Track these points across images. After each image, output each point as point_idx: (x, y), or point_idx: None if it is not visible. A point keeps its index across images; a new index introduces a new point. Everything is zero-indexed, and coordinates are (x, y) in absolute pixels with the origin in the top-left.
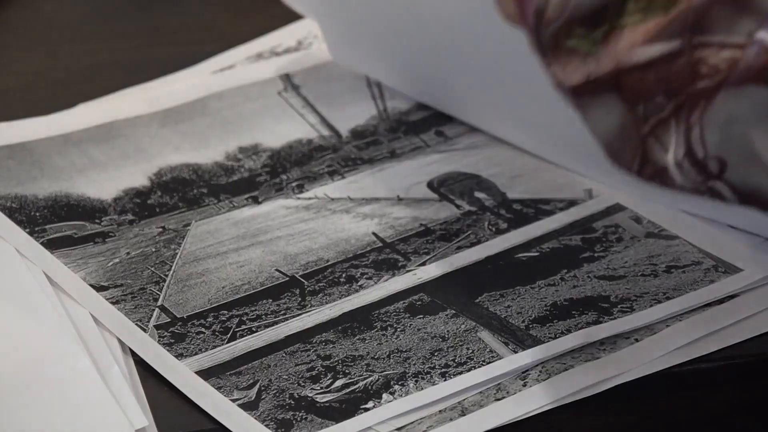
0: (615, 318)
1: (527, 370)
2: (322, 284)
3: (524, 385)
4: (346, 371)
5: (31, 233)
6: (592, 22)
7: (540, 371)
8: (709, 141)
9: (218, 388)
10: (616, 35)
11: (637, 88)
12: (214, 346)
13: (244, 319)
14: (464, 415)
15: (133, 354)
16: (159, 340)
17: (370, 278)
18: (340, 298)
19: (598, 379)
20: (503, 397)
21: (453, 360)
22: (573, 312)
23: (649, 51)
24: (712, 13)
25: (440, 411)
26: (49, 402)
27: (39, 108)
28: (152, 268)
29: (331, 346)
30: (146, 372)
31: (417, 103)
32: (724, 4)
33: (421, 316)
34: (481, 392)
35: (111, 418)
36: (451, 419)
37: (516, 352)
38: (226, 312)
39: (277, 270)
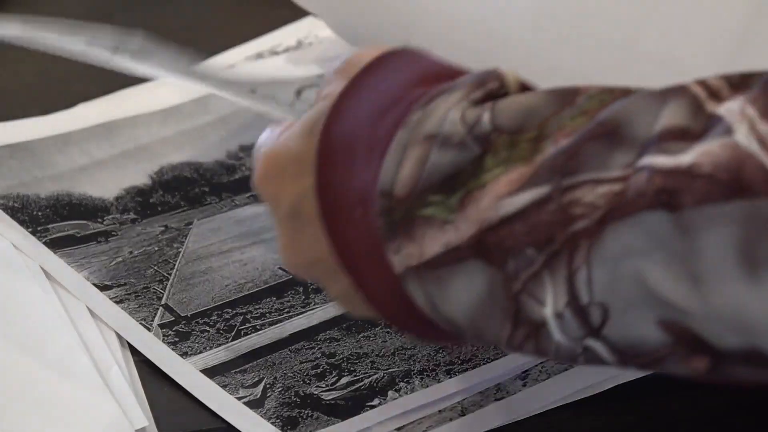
0: None
1: (527, 370)
2: None
3: (524, 385)
4: (351, 369)
5: (33, 233)
6: (448, 188)
7: (540, 371)
8: (596, 282)
9: (223, 387)
10: (476, 196)
11: (505, 245)
12: (219, 345)
13: (248, 317)
14: (464, 415)
15: (134, 354)
16: (163, 339)
17: None
18: None
19: (598, 380)
20: (503, 397)
21: (458, 357)
22: None
23: (516, 201)
24: (581, 152)
25: (440, 411)
26: (48, 402)
27: (39, 108)
28: (155, 267)
29: (336, 343)
30: (146, 372)
31: None
32: (594, 140)
33: None
34: (481, 392)
35: (111, 418)
36: (451, 419)
37: None
38: (230, 310)
39: (279, 268)
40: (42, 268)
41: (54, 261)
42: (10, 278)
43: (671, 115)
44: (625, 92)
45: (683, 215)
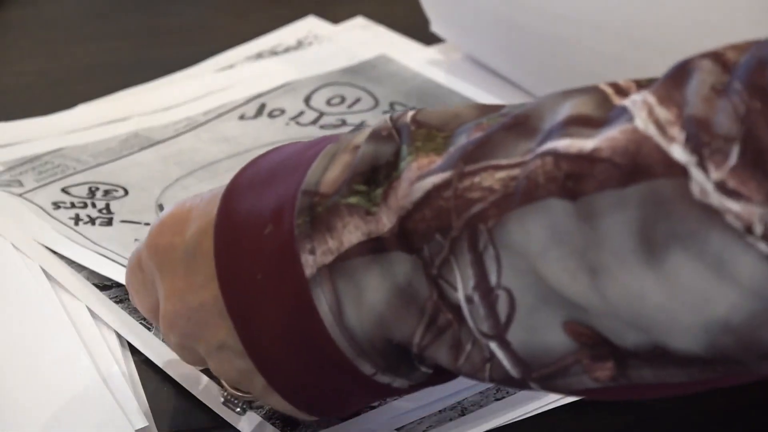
0: None
1: None
2: None
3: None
4: None
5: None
6: (372, 181)
7: None
8: (504, 265)
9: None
10: (395, 186)
11: (419, 231)
12: None
13: None
14: (464, 415)
15: (134, 354)
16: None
17: None
18: None
19: None
20: (503, 397)
21: None
22: None
23: (423, 185)
24: (490, 141)
25: (440, 411)
26: (48, 402)
27: (39, 108)
28: None
29: None
30: (146, 372)
31: None
32: (504, 131)
33: None
34: (481, 392)
35: (111, 418)
36: (450, 419)
37: None
38: None
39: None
40: (42, 268)
41: (52, 260)
42: (10, 278)
43: (576, 105)
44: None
45: (584, 203)
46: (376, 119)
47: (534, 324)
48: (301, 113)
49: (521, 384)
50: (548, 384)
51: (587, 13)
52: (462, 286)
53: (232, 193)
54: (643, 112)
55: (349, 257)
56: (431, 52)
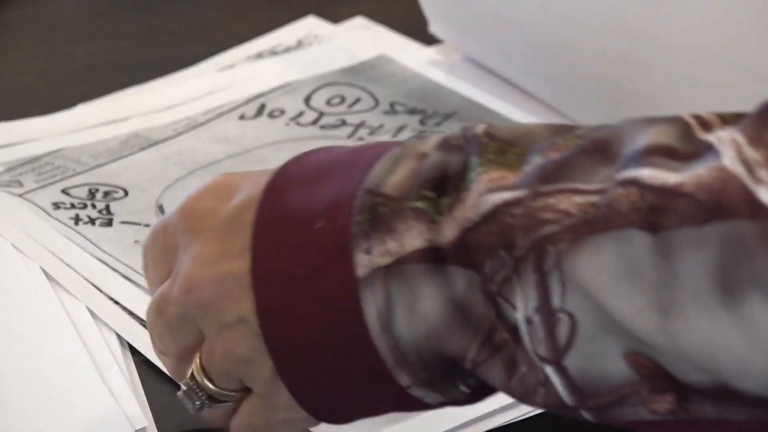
0: None
1: None
2: None
3: None
4: None
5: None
6: (441, 188)
7: None
8: (569, 290)
9: None
10: (462, 197)
11: (483, 245)
12: None
13: None
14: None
15: (134, 354)
16: None
17: None
18: None
19: None
20: None
21: None
22: None
23: (492, 199)
24: (569, 164)
25: None
26: (48, 402)
27: (39, 108)
28: None
29: None
30: (146, 372)
31: None
32: (584, 154)
33: None
34: None
35: (111, 418)
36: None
37: None
38: None
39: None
40: (42, 268)
41: (51, 258)
42: (10, 278)
43: (658, 134)
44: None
45: (663, 237)
46: (376, 119)
47: (594, 351)
48: (301, 113)
49: (573, 412)
50: (602, 413)
51: (589, 13)
52: (522, 307)
53: (279, 182)
54: (731, 151)
55: (408, 262)
56: (431, 52)
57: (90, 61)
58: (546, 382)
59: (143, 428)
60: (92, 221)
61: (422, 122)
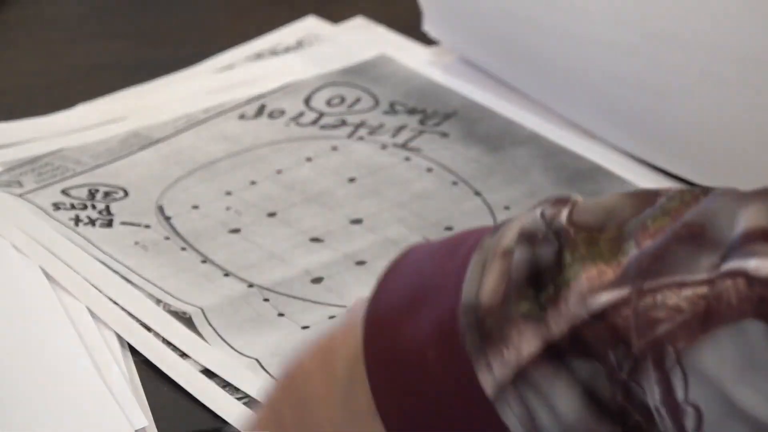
0: None
1: None
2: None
3: None
4: None
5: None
6: (537, 283)
7: None
8: (691, 385)
9: (223, 387)
10: (564, 293)
11: (598, 339)
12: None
13: None
14: None
15: (134, 354)
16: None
17: None
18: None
19: None
20: None
21: None
22: None
23: (597, 300)
24: (666, 255)
25: None
26: (48, 402)
27: (39, 108)
28: None
29: None
30: (146, 372)
31: None
32: (679, 242)
33: None
34: None
35: (111, 418)
36: None
37: None
38: None
39: None
40: (42, 269)
41: (54, 261)
42: (10, 278)
43: (755, 216)
44: (705, 191)
45: None
46: (375, 119)
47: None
48: (301, 114)
49: None
50: None
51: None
52: (650, 396)
53: (374, 325)
54: None
55: (531, 367)
56: (431, 52)
57: (90, 61)
58: None
59: (143, 428)
60: (92, 222)
61: (422, 122)
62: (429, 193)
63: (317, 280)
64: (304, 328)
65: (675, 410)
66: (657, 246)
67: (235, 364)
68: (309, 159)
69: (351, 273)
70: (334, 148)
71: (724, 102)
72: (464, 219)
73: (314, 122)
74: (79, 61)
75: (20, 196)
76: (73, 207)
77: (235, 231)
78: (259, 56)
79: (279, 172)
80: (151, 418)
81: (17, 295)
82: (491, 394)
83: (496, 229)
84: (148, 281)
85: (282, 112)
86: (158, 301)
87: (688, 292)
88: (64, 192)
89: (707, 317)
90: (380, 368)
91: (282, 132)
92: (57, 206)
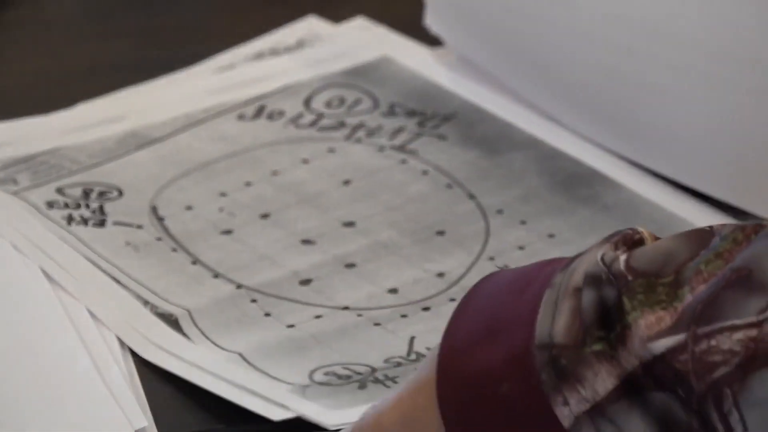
0: None
1: None
2: None
3: None
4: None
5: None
6: (607, 323)
7: None
8: (750, 423)
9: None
10: (629, 336)
11: (665, 376)
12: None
13: None
14: None
15: (133, 354)
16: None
17: None
18: None
19: None
20: None
21: None
22: None
23: (657, 346)
24: (717, 300)
25: None
26: (48, 402)
27: (39, 108)
28: None
29: None
30: (146, 372)
31: None
32: (729, 288)
33: None
34: None
35: (111, 418)
36: None
37: None
38: None
39: None
40: (42, 269)
41: (54, 261)
42: (10, 278)
43: None
44: (756, 228)
45: None
46: (374, 121)
47: None
48: (300, 115)
49: None
50: None
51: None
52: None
53: (449, 353)
54: None
55: (608, 403)
56: (433, 53)
57: (90, 61)
58: None
59: (143, 428)
60: (85, 221)
61: (420, 124)
62: (423, 196)
63: (305, 282)
64: (290, 326)
65: None
66: (709, 292)
67: (218, 358)
68: (305, 161)
69: (340, 275)
70: (331, 150)
71: (725, 105)
72: (457, 222)
73: (313, 124)
74: (79, 61)
75: (15, 194)
76: (66, 206)
77: (227, 232)
78: (259, 56)
79: (275, 173)
80: (151, 418)
81: (17, 295)
82: (568, 426)
83: (567, 264)
84: (137, 282)
85: (281, 113)
86: (146, 303)
87: (739, 335)
88: (59, 191)
89: (757, 358)
90: (453, 396)
91: (280, 133)
92: (51, 205)
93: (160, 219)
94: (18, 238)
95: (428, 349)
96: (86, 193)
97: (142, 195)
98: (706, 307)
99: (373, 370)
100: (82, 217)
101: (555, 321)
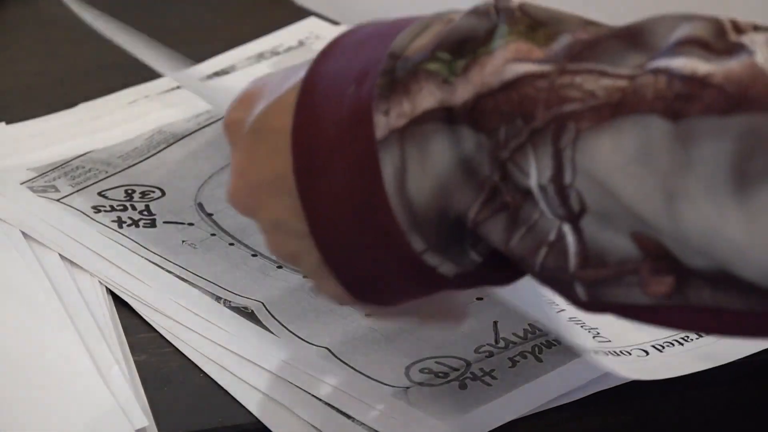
0: None
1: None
2: None
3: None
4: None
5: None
6: (457, 51)
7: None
8: (579, 169)
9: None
10: (482, 62)
11: (501, 110)
12: None
13: None
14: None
15: (134, 354)
16: None
17: None
18: None
19: (595, 375)
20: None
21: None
22: None
23: (517, 68)
24: (598, 45)
25: None
26: (49, 402)
27: (39, 108)
28: None
29: None
30: (146, 372)
31: None
32: (614, 38)
33: None
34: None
35: (111, 418)
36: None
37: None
38: None
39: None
40: (42, 269)
41: (54, 261)
42: (9, 277)
43: (695, 28)
44: None
45: (684, 124)
46: None
47: (602, 225)
48: None
49: (567, 284)
50: (596, 290)
51: None
52: (536, 175)
53: (322, 58)
54: (765, 50)
55: (421, 122)
56: None
57: (90, 61)
58: (557, 240)
59: (143, 428)
60: (135, 223)
61: None
62: None
63: None
64: (368, 315)
65: (562, 190)
66: (592, 37)
67: (308, 354)
68: None
69: None
70: None
71: None
72: None
73: None
74: (79, 61)
75: (59, 200)
76: (113, 209)
77: None
78: (260, 57)
79: None
80: (152, 418)
81: (17, 295)
82: (379, 137)
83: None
84: (204, 278)
85: None
86: (218, 298)
87: (607, 82)
88: (101, 194)
89: (618, 107)
90: (307, 98)
91: None
92: (97, 209)
93: (209, 215)
94: (71, 246)
95: (514, 334)
96: (129, 195)
97: (184, 193)
98: (585, 48)
99: (468, 364)
100: (131, 219)
101: (416, 38)
